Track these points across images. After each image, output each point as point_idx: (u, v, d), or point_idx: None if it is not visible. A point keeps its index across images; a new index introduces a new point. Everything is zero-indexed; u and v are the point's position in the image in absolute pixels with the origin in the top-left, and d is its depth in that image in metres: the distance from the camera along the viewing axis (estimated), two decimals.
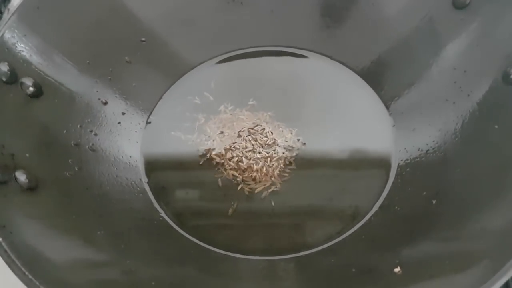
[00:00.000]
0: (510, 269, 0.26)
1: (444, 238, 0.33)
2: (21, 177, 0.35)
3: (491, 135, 0.37)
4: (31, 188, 0.35)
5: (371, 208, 0.39)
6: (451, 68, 0.42)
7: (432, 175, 0.39)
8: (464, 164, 0.37)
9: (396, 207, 0.39)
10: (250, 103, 0.47)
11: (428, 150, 0.40)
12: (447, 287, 0.27)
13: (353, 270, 0.34)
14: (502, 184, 0.32)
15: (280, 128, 0.46)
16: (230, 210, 0.41)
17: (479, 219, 0.32)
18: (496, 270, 0.26)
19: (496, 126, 0.36)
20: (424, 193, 0.38)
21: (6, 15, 0.51)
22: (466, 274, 0.28)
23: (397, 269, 0.32)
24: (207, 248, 0.39)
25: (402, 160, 0.41)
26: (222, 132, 0.46)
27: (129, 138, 0.45)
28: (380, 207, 0.39)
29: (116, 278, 0.33)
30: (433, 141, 0.40)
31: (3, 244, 0.30)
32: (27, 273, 0.28)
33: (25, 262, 0.29)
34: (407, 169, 0.41)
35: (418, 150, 0.41)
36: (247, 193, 0.42)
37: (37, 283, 0.28)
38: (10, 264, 0.29)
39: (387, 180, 0.41)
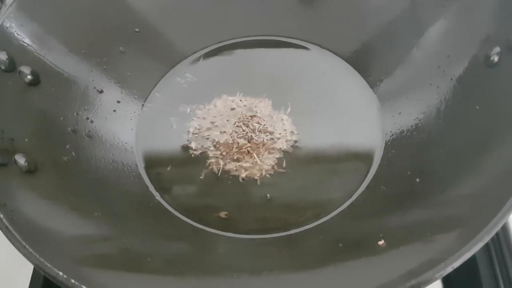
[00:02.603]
0: (487, 233, 0.27)
1: (425, 211, 0.34)
2: (21, 160, 0.36)
3: (472, 116, 0.38)
4: (30, 171, 0.36)
5: (358, 188, 0.41)
6: (434, 53, 0.43)
7: (416, 156, 0.40)
8: (446, 144, 0.39)
9: (382, 187, 0.40)
10: (243, 91, 0.48)
11: (413, 132, 0.42)
12: (428, 254, 0.29)
13: (340, 245, 0.35)
14: (481, 159, 0.34)
15: (272, 115, 0.47)
16: (223, 193, 0.42)
17: (458, 191, 0.33)
18: (474, 234, 0.27)
19: (477, 107, 0.38)
20: (409, 172, 0.39)
21: (3, 10, 0.52)
22: (445, 240, 0.29)
23: (381, 242, 0.33)
24: (201, 228, 0.40)
25: (388, 142, 0.43)
26: (215, 120, 0.47)
27: (124, 125, 0.46)
28: (367, 187, 0.41)
29: (113, 254, 0.34)
30: (418, 123, 0.42)
31: (4, 220, 0.31)
32: (27, 246, 0.29)
33: (25, 236, 0.30)
34: (393, 151, 0.42)
35: (404, 132, 0.42)
36: (240, 176, 0.43)
37: (37, 256, 0.29)
38: (11, 238, 0.30)
39: (373, 161, 0.42)
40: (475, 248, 0.27)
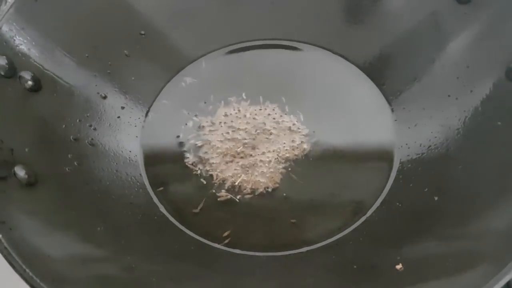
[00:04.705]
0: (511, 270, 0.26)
1: (446, 235, 0.33)
2: (20, 172, 0.35)
3: (494, 131, 0.37)
4: (31, 184, 0.35)
5: (373, 204, 0.39)
6: (454, 64, 0.42)
7: (434, 171, 0.39)
8: (466, 161, 0.37)
9: (398, 203, 0.38)
10: (250, 97, 0.47)
11: (430, 146, 0.40)
12: (448, 285, 0.27)
13: (354, 266, 0.34)
14: (506, 182, 0.32)
15: (281, 123, 0.45)
16: (230, 206, 0.41)
17: (482, 218, 0.32)
18: (498, 270, 0.26)
19: (499, 123, 0.36)
20: (426, 189, 0.38)
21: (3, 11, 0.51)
22: (468, 273, 0.28)
23: (398, 266, 0.32)
24: (207, 243, 0.39)
25: (404, 155, 0.41)
26: (221, 127, 0.45)
27: (128, 133, 0.45)
28: (382, 203, 0.39)
29: (116, 274, 0.33)
30: (435, 136, 0.40)
31: (3, 240, 0.29)
32: (27, 270, 0.28)
33: (25, 259, 0.29)
34: (409, 165, 0.41)
35: (420, 145, 0.41)
36: (247, 189, 0.42)
37: (38, 280, 0.28)
38: (11, 261, 0.29)
39: (388, 175, 0.41)
40: (501, 283, 0.26)
